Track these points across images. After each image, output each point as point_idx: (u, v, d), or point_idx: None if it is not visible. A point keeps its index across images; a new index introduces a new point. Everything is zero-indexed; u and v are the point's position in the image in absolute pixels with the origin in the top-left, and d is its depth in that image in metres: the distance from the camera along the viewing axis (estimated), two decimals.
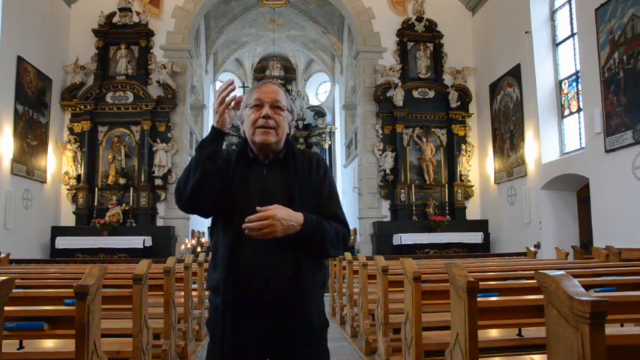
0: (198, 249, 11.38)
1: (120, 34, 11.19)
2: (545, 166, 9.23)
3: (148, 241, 10.21)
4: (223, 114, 1.70)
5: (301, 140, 18.83)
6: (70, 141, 10.85)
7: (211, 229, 1.85)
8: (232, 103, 1.71)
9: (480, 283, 2.62)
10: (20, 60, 9.15)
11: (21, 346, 2.84)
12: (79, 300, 2.45)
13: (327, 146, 18.81)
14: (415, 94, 11.64)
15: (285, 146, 1.84)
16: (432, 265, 5.35)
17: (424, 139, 11.53)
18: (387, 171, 11.40)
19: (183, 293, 5.14)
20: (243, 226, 1.62)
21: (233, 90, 1.70)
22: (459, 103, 11.54)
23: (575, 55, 8.80)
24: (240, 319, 1.67)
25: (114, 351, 3.28)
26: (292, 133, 1.91)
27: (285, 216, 1.64)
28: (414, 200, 11.27)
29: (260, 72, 19.07)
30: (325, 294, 6.10)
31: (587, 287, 2.72)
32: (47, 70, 10.18)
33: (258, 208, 1.63)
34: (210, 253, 1.84)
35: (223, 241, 1.73)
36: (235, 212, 1.70)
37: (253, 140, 1.78)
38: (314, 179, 1.80)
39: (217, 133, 1.72)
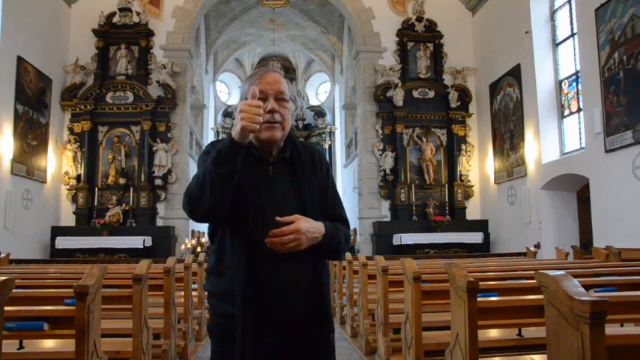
0: (198, 249, 11.39)
1: (120, 34, 11.19)
2: (545, 166, 9.23)
3: (148, 241, 10.21)
4: (249, 131, 1.52)
5: (301, 140, 18.80)
6: (70, 141, 10.85)
7: (212, 232, 1.74)
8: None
9: (480, 283, 2.62)
10: (20, 60, 9.15)
11: (21, 346, 2.83)
12: (79, 300, 2.45)
13: (327, 146, 18.80)
14: (415, 94, 11.64)
15: (288, 142, 1.76)
16: (432, 265, 5.35)
17: (424, 139, 11.53)
18: (387, 171, 11.40)
19: (183, 293, 5.13)
20: (267, 240, 1.54)
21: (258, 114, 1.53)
22: (459, 103, 11.54)
23: (575, 55, 8.80)
24: (258, 327, 1.59)
25: (114, 351, 3.28)
26: (294, 122, 1.85)
27: (309, 228, 1.57)
28: (414, 200, 11.27)
29: None
30: None
31: (587, 287, 2.72)
32: (47, 70, 10.18)
33: (278, 219, 1.54)
34: (213, 257, 1.72)
35: (234, 247, 1.63)
36: (246, 217, 1.61)
37: (258, 137, 1.67)
38: (318, 178, 1.74)
39: (236, 147, 1.53)
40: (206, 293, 1.84)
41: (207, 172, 1.54)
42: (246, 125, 1.49)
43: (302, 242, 1.56)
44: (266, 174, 1.69)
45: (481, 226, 11.22)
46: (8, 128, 8.82)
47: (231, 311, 1.60)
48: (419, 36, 11.84)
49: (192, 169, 12.41)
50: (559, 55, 9.42)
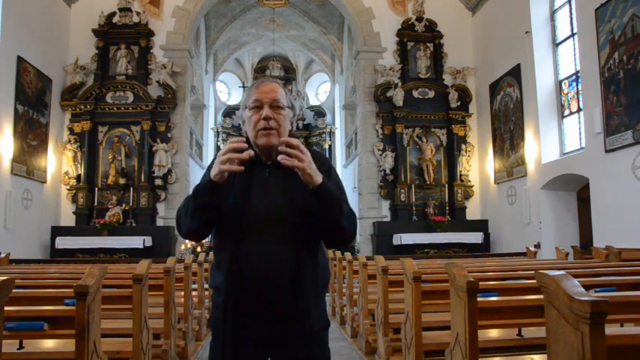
0: (198, 249, 11.38)
1: (120, 34, 11.19)
2: (545, 166, 9.23)
3: (148, 241, 10.21)
4: (225, 173, 1.65)
5: (301, 140, 18.76)
6: (70, 141, 10.85)
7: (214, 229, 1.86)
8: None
9: (480, 283, 2.62)
10: (20, 60, 9.15)
11: (21, 346, 2.83)
12: (79, 300, 2.45)
13: (327, 146, 18.80)
14: (415, 94, 11.64)
15: None
16: (432, 265, 5.35)
17: (424, 139, 11.53)
18: (387, 171, 11.40)
19: (183, 293, 5.13)
20: (280, 148, 1.61)
21: (244, 156, 1.63)
22: (459, 103, 11.54)
23: (575, 55, 8.80)
24: (241, 319, 1.68)
25: (114, 351, 3.28)
26: (294, 129, 1.90)
27: (312, 164, 1.64)
28: (414, 200, 11.27)
29: (260, 72, 19.08)
30: (325, 294, 6.09)
31: (587, 287, 2.72)
32: (47, 70, 10.17)
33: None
34: (213, 253, 1.85)
35: (225, 241, 1.74)
36: (237, 215, 1.71)
37: (256, 143, 1.78)
38: None
39: (213, 186, 1.67)
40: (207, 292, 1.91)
41: (190, 201, 1.74)
42: (225, 169, 1.62)
43: (304, 161, 1.60)
44: (261, 175, 1.77)
45: (481, 226, 11.22)
46: (8, 128, 8.82)
47: (220, 302, 1.72)
48: (419, 36, 11.83)
49: (192, 169, 12.42)
50: (559, 55, 9.42)
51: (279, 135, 1.77)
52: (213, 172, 1.65)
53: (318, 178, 1.64)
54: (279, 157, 1.62)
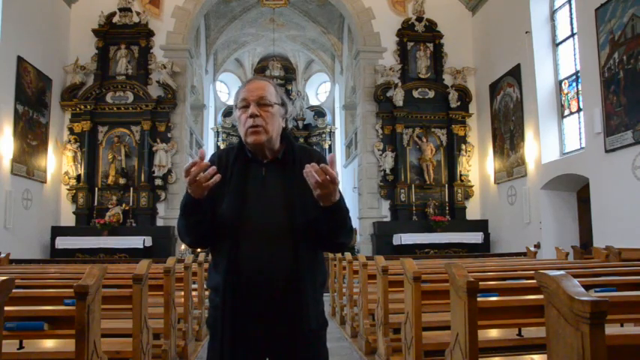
0: (198, 249, 11.38)
1: (120, 34, 11.19)
2: (545, 166, 9.23)
3: (148, 241, 10.21)
4: (198, 190, 1.62)
5: (301, 140, 18.82)
6: (70, 141, 10.85)
7: None
8: (209, 181, 1.60)
9: (480, 283, 2.62)
10: (20, 60, 9.15)
11: (21, 346, 2.83)
12: (79, 300, 2.46)
13: (327, 146, 18.80)
14: (415, 94, 11.64)
15: (285, 144, 1.82)
16: (432, 265, 5.35)
17: (424, 139, 11.53)
18: (387, 171, 11.40)
19: (183, 293, 5.13)
20: (310, 165, 1.56)
21: (201, 168, 1.58)
22: (459, 103, 11.54)
23: (575, 55, 8.80)
24: (239, 318, 1.68)
25: (114, 351, 3.28)
26: (290, 127, 1.88)
27: (338, 187, 1.62)
28: (414, 200, 11.27)
29: (260, 72, 19.07)
30: (325, 294, 6.11)
31: (587, 287, 2.72)
32: (47, 70, 10.17)
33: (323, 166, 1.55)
34: (210, 253, 1.86)
35: (223, 242, 1.73)
36: (234, 216, 1.70)
37: (247, 142, 1.76)
38: None
39: (195, 202, 1.65)
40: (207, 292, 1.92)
41: (182, 218, 1.73)
42: (196, 195, 1.63)
43: (332, 185, 1.56)
44: (258, 173, 1.77)
45: (481, 226, 11.22)
46: (8, 128, 8.81)
47: (218, 302, 1.72)
48: (419, 36, 11.83)
49: None
50: (559, 55, 9.42)
51: (267, 133, 1.74)
52: (191, 191, 1.62)
53: (334, 198, 1.62)
54: (306, 170, 1.56)
